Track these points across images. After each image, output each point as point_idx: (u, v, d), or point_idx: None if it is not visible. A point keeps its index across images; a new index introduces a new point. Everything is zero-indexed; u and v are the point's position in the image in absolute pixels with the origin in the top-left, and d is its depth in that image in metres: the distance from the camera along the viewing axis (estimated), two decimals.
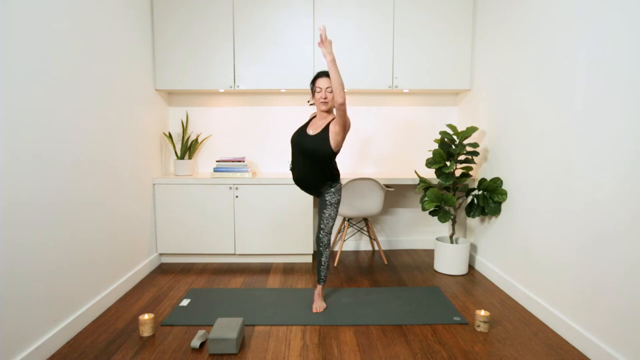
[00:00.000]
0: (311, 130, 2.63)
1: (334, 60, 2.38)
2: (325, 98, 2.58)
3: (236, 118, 4.13)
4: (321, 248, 2.77)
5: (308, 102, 2.82)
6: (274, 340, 2.42)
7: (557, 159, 2.54)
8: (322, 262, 2.78)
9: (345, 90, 3.83)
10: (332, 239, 4.22)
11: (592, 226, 2.24)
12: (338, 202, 2.73)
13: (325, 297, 2.99)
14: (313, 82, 2.64)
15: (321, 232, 2.74)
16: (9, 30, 1.98)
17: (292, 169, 2.75)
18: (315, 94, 2.62)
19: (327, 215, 2.71)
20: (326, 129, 2.58)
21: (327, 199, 2.71)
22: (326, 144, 2.56)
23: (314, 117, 2.77)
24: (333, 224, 2.76)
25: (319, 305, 2.79)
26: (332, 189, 2.71)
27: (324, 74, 2.60)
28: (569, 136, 2.43)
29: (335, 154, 2.60)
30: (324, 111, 2.63)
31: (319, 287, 2.84)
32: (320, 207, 2.75)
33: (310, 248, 3.75)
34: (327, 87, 2.57)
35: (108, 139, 2.88)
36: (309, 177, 2.66)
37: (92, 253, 2.69)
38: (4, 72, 1.95)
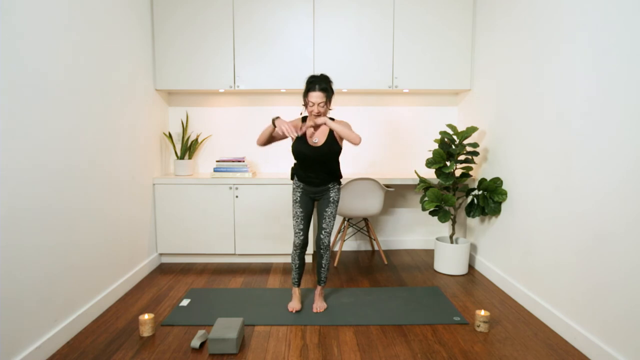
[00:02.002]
0: (316, 139, 2.63)
1: (334, 127, 2.47)
2: (318, 113, 2.53)
3: (236, 118, 4.13)
4: (322, 251, 2.76)
5: (301, 113, 2.75)
6: (274, 340, 2.42)
7: (557, 158, 2.54)
8: (323, 265, 2.78)
9: (346, 90, 3.85)
10: (332, 239, 4.22)
11: (592, 226, 2.24)
12: (339, 201, 2.78)
13: (325, 297, 2.99)
14: (305, 93, 2.55)
15: (323, 232, 2.73)
16: (9, 31, 1.98)
17: (298, 174, 2.73)
18: (308, 107, 2.55)
19: (329, 213, 2.72)
20: (331, 137, 2.62)
21: (331, 196, 2.73)
22: (336, 145, 2.64)
23: (304, 120, 2.68)
24: (334, 224, 2.76)
25: (319, 305, 2.79)
26: (337, 187, 2.76)
27: (316, 87, 2.49)
28: (569, 136, 2.43)
29: (341, 149, 2.70)
30: None
31: (319, 287, 2.84)
32: (321, 207, 2.75)
33: (310, 248, 3.75)
34: (320, 103, 2.50)
35: (108, 139, 2.88)
36: (321, 175, 2.67)
37: (92, 253, 2.69)
38: (4, 73, 1.94)
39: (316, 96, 2.50)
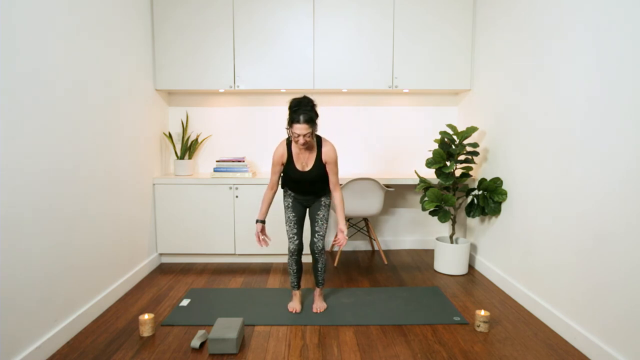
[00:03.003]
0: (306, 166, 2.62)
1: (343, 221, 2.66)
2: (304, 143, 2.48)
3: (236, 118, 4.13)
4: (316, 255, 2.74)
5: (287, 139, 2.64)
6: (274, 340, 2.42)
7: (557, 158, 2.54)
8: (319, 269, 2.78)
9: (346, 90, 3.85)
10: (329, 242, 4.23)
11: (592, 226, 2.24)
12: (330, 204, 2.79)
13: (325, 297, 2.99)
14: (290, 123, 2.46)
15: (316, 235, 2.72)
16: (9, 31, 1.98)
17: (289, 185, 2.73)
18: (293, 137, 2.48)
19: (321, 216, 2.73)
20: (319, 161, 2.60)
21: (322, 200, 2.75)
22: (323, 170, 2.63)
23: (289, 147, 2.62)
24: (327, 227, 2.77)
25: (319, 305, 2.79)
26: (327, 193, 2.77)
27: (301, 118, 2.41)
28: (569, 136, 2.43)
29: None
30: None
31: (318, 289, 2.84)
32: (313, 211, 2.75)
33: (306, 250, 3.75)
34: (305, 134, 2.44)
35: (108, 139, 2.88)
36: (311, 192, 2.70)
37: (92, 253, 2.69)
38: (3, 73, 1.94)
39: (301, 128, 2.41)
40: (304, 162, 2.62)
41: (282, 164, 2.65)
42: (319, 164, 2.61)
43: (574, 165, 2.38)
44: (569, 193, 2.43)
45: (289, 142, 2.63)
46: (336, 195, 2.65)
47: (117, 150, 3.01)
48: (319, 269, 2.78)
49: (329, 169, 2.62)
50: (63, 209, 2.38)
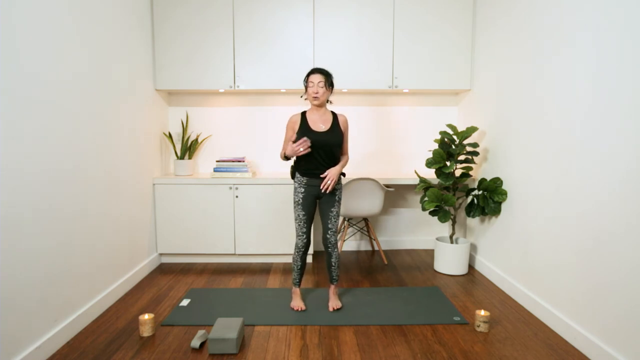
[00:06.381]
0: (322, 126, 2.71)
1: (339, 169, 2.71)
2: (316, 92, 2.66)
3: (236, 118, 4.13)
4: (329, 249, 2.78)
5: (301, 97, 2.90)
6: (274, 340, 2.42)
7: (557, 158, 2.54)
8: (333, 263, 2.79)
9: (346, 90, 3.85)
10: None
11: (592, 226, 2.24)
12: (341, 200, 2.83)
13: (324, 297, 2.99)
14: (306, 77, 2.71)
15: (329, 231, 2.75)
16: (9, 31, 1.98)
17: (300, 169, 2.74)
18: (308, 89, 2.70)
19: (334, 213, 2.75)
20: (336, 125, 2.74)
21: (336, 195, 2.76)
22: (339, 135, 2.73)
23: (304, 115, 2.75)
24: (339, 223, 2.80)
25: (335, 303, 2.79)
26: (340, 183, 2.79)
27: (317, 71, 2.68)
28: (569, 135, 2.43)
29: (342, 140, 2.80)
30: (317, 105, 2.72)
31: (333, 286, 2.85)
32: (325, 206, 2.75)
33: (310, 248, 3.75)
34: (319, 82, 2.65)
35: (108, 139, 2.88)
36: (325, 166, 2.71)
37: (92, 253, 2.69)
38: (3, 74, 1.94)
39: (315, 77, 2.67)
40: (321, 125, 2.72)
41: (294, 131, 2.74)
42: (335, 128, 2.72)
43: (574, 165, 2.38)
44: (569, 193, 2.43)
45: (303, 112, 2.78)
46: (345, 157, 2.83)
47: (117, 150, 3.01)
48: (333, 263, 2.79)
49: (345, 138, 2.79)
50: (63, 209, 2.38)
